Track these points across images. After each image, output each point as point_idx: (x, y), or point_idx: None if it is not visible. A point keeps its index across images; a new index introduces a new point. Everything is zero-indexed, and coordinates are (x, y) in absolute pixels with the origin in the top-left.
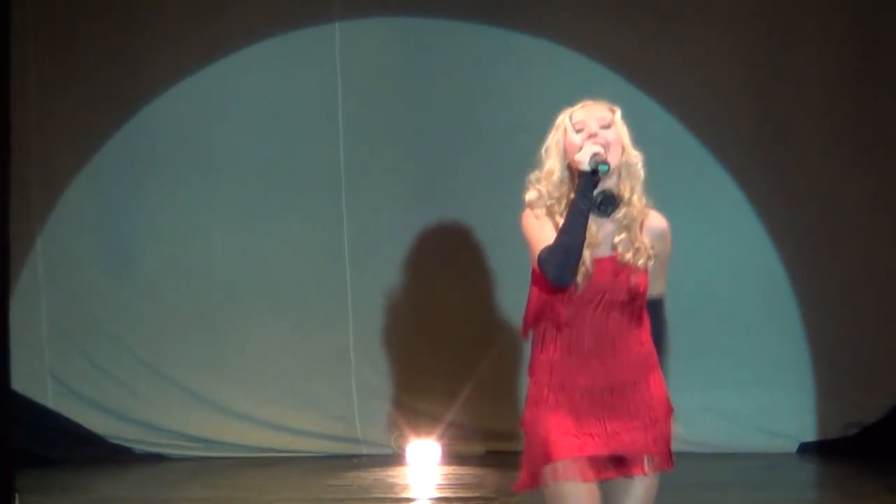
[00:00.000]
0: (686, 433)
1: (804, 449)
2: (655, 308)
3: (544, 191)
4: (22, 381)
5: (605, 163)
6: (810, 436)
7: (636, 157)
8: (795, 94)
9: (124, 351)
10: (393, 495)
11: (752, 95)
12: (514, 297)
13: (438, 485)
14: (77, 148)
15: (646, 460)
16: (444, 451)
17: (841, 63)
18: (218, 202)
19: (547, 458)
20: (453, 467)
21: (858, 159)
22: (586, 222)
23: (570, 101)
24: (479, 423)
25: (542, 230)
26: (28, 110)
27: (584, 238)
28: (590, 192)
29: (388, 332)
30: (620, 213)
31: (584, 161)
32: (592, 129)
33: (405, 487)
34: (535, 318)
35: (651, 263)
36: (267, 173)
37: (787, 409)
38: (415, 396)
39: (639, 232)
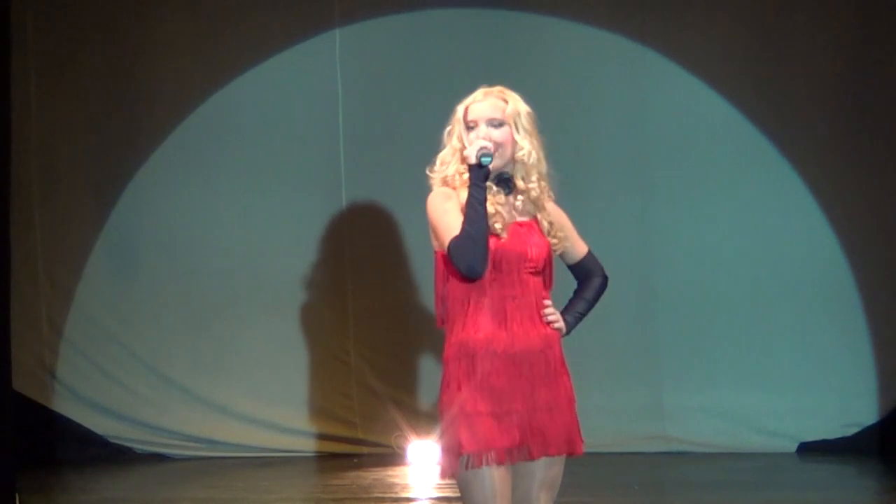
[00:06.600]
0: (685, 433)
1: (804, 449)
2: (593, 262)
3: (443, 170)
4: (22, 381)
5: (489, 155)
6: (810, 436)
7: (526, 145)
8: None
9: (124, 351)
10: (393, 495)
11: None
12: None
13: (438, 485)
14: (77, 148)
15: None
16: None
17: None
18: (218, 202)
19: (463, 445)
20: None
21: None
22: (485, 211)
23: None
24: None
25: (446, 215)
26: (28, 110)
27: (487, 226)
28: (482, 183)
29: (388, 332)
30: (519, 201)
31: (471, 155)
32: (482, 132)
33: (405, 487)
34: (457, 296)
35: (555, 241)
36: (267, 173)
37: (786, 409)
38: (415, 396)
39: (543, 208)
